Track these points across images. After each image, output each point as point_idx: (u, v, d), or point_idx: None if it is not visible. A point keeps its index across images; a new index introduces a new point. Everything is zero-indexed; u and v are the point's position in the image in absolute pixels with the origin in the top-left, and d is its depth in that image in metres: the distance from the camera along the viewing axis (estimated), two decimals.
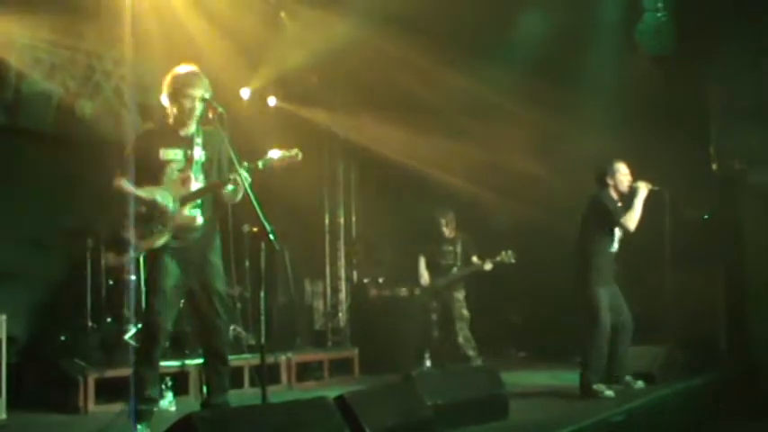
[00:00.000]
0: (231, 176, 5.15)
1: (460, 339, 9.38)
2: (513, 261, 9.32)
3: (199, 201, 5.26)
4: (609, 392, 7.01)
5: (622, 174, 7.37)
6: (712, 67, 9.06)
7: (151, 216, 5.13)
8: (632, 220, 7.17)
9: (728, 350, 9.14)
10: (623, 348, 7.35)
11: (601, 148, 8.53)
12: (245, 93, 9.90)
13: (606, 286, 7.27)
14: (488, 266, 9.38)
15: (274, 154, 5.29)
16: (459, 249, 9.62)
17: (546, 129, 9.91)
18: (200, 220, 5.24)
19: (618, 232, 7.31)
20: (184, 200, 5.19)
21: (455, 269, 9.53)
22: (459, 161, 10.37)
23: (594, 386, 7.04)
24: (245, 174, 5.07)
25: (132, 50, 8.94)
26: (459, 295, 9.54)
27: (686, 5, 9.11)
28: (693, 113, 9.35)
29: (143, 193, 5.15)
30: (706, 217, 9.64)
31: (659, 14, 9.21)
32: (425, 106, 10.28)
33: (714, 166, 9.68)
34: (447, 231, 9.67)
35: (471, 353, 9.34)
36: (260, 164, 5.23)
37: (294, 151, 5.33)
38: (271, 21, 9.57)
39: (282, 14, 9.69)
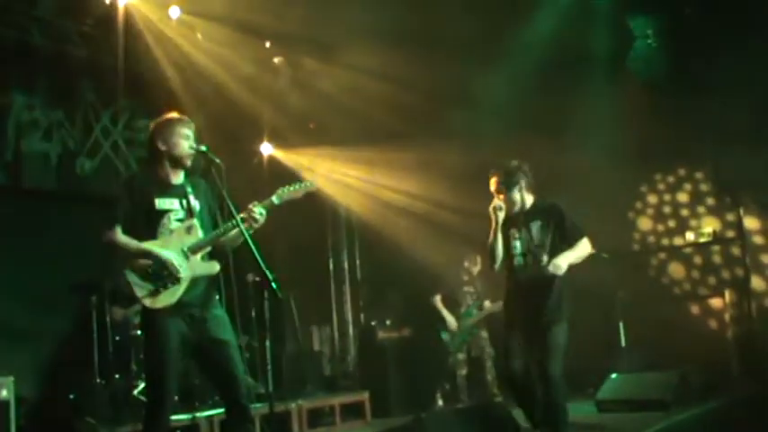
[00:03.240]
0: (256, 211, 4.89)
1: (489, 377, 9.34)
2: None
3: (208, 249, 5.03)
4: None
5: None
6: (706, 89, 9.09)
7: (159, 273, 4.84)
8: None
9: (741, 372, 9.08)
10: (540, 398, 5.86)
11: (596, 175, 8.54)
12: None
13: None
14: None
15: (287, 187, 5.13)
16: (479, 289, 9.63)
17: (541, 159, 9.89)
18: (217, 267, 5.00)
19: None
20: (195, 248, 4.95)
21: (476, 311, 9.54)
22: (459, 197, 10.37)
23: None
24: (261, 210, 4.92)
25: (129, 106, 9.08)
26: (484, 333, 9.53)
27: (675, 31, 9.17)
28: (688, 137, 9.36)
29: (145, 246, 4.87)
30: (711, 240, 9.64)
31: (650, 41, 9.29)
32: (422, 144, 10.31)
33: (713, 189, 9.71)
34: (471, 272, 9.72)
35: (496, 391, 9.29)
36: (274, 199, 5.05)
37: (308, 181, 5.21)
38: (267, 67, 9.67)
39: (277, 60, 9.78)
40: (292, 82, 10.04)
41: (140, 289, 4.86)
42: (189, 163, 5.05)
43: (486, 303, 9.47)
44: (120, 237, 4.87)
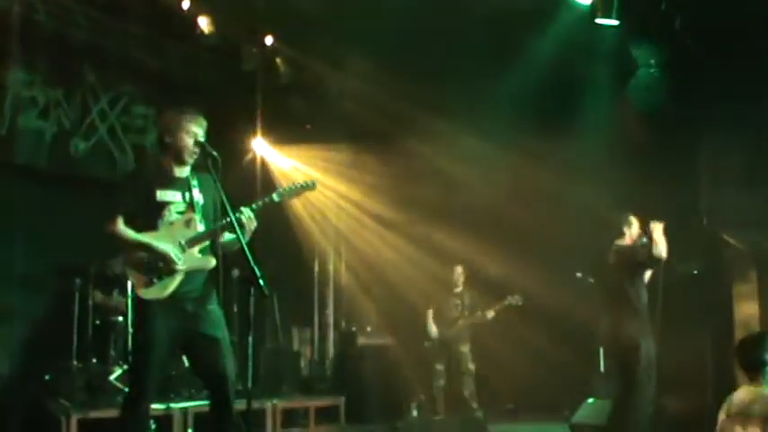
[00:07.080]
0: (245, 213, 4.87)
1: (466, 393, 9.33)
2: (520, 303, 9.31)
3: (206, 244, 4.99)
4: None
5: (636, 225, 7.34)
6: (703, 124, 9.12)
7: (155, 265, 4.84)
8: (661, 249, 7.04)
9: (716, 404, 9.08)
10: None
11: (593, 202, 8.56)
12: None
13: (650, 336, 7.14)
14: (490, 314, 9.37)
15: (289, 186, 5.18)
16: (467, 302, 9.63)
17: (537, 182, 9.93)
18: (213, 262, 4.96)
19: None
20: (192, 242, 4.93)
21: (461, 321, 9.54)
22: (452, 211, 10.40)
23: None
24: (250, 214, 4.90)
25: (128, 92, 9.06)
26: (465, 348, 9.52)
27: (678, 63, 9.21)
28: (684, 169, 9.39)
29: (142, 238, 4.86)
30: (696, 272, 9.64)
31: (652, 71, 9.31)
32: (418, 151, 10.33)
33: (704, 222, 9.72)
34: (459, 285, 9.75)
35: (475, 405, 9.29)
36: (275, 196, 5.06)
37: (310, 181, 5.25)
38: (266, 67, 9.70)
39: (278, 60, 9.80)
40: (292, 82, 10.07)
41: (136, 279, 4.86)
42: (189, 160, 5.00)
43: (479, 314, 9.48)
44: (121, 227, 4.84)
